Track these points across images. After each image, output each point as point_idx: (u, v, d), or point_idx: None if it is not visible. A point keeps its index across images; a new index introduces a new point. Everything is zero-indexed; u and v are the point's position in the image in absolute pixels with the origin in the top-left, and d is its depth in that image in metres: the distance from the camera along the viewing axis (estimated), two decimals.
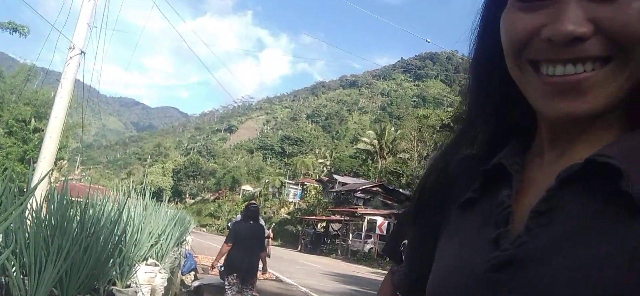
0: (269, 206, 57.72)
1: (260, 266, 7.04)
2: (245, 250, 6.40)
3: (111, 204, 2.43)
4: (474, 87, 0.65)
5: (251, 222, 6.67)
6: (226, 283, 6.46)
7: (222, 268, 6.97)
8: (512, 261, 0.48)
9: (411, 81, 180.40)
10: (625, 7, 0.46)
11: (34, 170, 8.13)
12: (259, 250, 6.64)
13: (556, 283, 0.44)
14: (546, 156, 0.57)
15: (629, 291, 0.40)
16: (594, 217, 0.46)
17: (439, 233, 0.64)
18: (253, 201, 8.86)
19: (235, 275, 6.38)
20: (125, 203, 2.15)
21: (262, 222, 8.19)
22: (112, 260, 2.09)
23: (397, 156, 45.60)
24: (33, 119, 24.29)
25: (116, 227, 2.06)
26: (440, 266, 0.59)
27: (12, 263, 1.52)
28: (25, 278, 1.56)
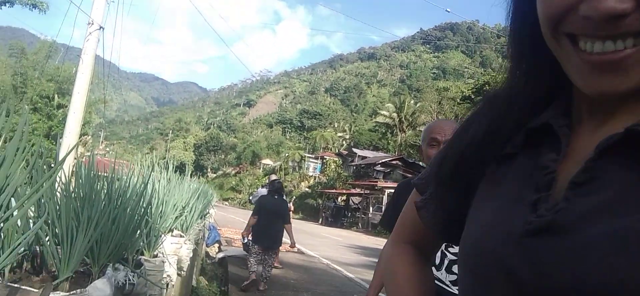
0: (289, 180, 58.18)
1: (288, 239, 7.45)
2: (270, 222, 6.83)
3: (136, 177, 2.47)
4: (512, 45, 0.62)
5: (276, 197, 7.11)
6: (251, 252, 6.90)
7: (246, 241, 7.26)
8: (549, 228, 0.47)
9: (431, 53, 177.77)
10: None
11: (60, 145, 8.31)
12: (282, 222, 7.02)
13: (593, 252, 0.43)
14: (585, 124, 0.55)
15: None
16: (633, 187, 0.44)
17: (475, 184, 0.63)
18: (276, 177, 9.19)
19: (259, 246, 6.83)
20: (150, 176, 2.18)
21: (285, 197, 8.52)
22: (139, 231, 2.14)
23: (417, 129, 45.30)
24: (56, 96, 24.74)
25: (142, 199, 2.10)
26: (476, 225, 0.58)
27: (46, 233, 1.57)
28: (58, 247, 1.61)
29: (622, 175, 0.46)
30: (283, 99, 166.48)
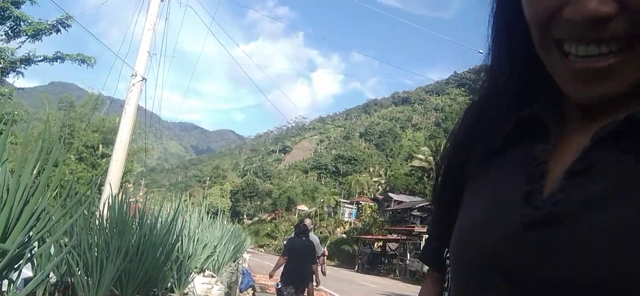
0: (325, 225, 57.78)
1: (313, 278, 7.96)
2: (299, 262, 7.37)
3: (167, 211, 2.52)
4: (495, 40, 0.62)
5: (303, 238, 7.64)
6: (285, 293, 7.33)
7: (280, 287, 7.51)
8: (548, 220, 0.46)
9: (466, 95, 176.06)
10: None
11: (101, 192, 8.60)
12: (310, 262, 7.58)
13: (595, 241, 0.41)
14: (575, 115, 0.53)
15: None
16: (632, 176, 0.43)
17: (464, 179, 0.62)
18: (301, 221, 9.66)
19: (291, 286, 7.30)
20: (178, 208, 2.23)
21: (314, 238, 8.94)
22: (168, 264, 2.17)
23: None
24: (100, 145, 25.81)
25: (172, 233, 2.14)
26: (467, 219, 0.57)
27: (76, 262, 1.61)
28: (89, 278, 1.65)
29: (620, 164, 0.45)
30: (318, 145, 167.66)
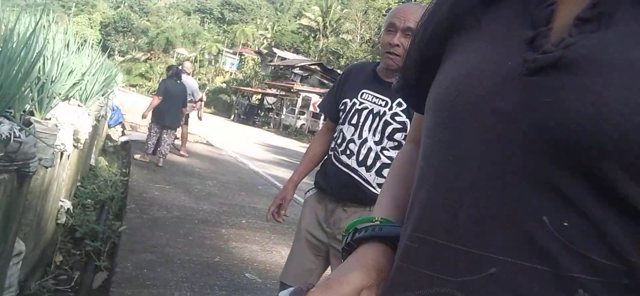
0: (204, 73, 56.24)
1: (186, 119, 8.62)
2: (172, 105, 7.64)
3: (25, 25, 2.25)
4: None
5: (177, 81, 7.80)
6: (152, 130, 7.66)
7: (150, 124, 7.62)
8: (557, 65, 0.42)
9: None
10: None
11: None
12: (182, 104, 7.86)
13: (611, 87, 0.38)
14: None
15: None
16: None
17: (449, 35, 0.57)
18: (180, 64, 9.58)
19: (159, 125, 7.61)
20: (39, 23, 2.00)
21: (192, 82, 8.94)
22: (28, 84, 1.99)
23: (340, 36, 45.18)
24: None
25: (31, 50, 1.93)
26: (455, 66, 0.52)
27: None
28: None
29: (634, 13, 0.41)
30: None
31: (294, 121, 33.31)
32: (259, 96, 41.40)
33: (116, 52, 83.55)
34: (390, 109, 1.87)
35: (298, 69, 39.70)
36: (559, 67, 0.42)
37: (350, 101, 1.96)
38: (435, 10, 0.60)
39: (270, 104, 39.44)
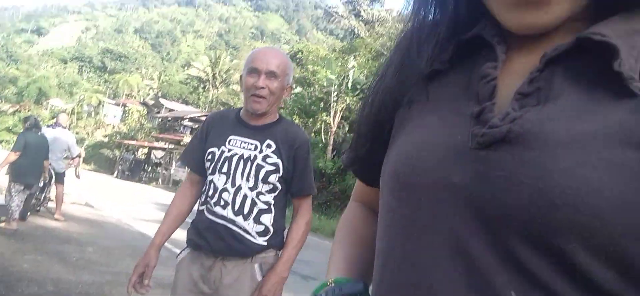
0: (83, 126, 52.40)
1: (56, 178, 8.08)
2: (31, 157, 7.01)
3: None
4: None
5: (37, 132, 7.28)
6: (13, 190, 6.87)
7: (8, 183, 7.01)
8: (506, 139, 0.44)
9: (251, 11, 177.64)
10: None
11: None
12: (43, 157, 7.27)
13: (557, 161, 0.40)
14: (519, 40, 0.51)
15: (629, 169, 0.38)
16: (585, 96, 0.43)
17: (399, 107, 0.59)
18: (55, 116, 9.20)
19: (21, 183, 6.92)
20: None
21: (69, 135, 8.51)
22: None
23: (230, 87, 45.34)
24: None
25: None
26: (408, 141, 0.54)
27: None
28: None
29: (571, 85, 0.44)
30: (83, 33, 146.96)
31: (184, 175, 32.22)
32: (146, 150, 39.51)
33: None
34: (261, 151, 1.86)
35: (187, 120, 38.80)
36: (508, 141, 0.43)
37: (218, 149, 1.91)
38: (380, 83, 0.63)
39: (158, 159, 37.78)
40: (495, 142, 0.44)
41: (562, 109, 0.43)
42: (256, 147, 1.88)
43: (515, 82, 0.47)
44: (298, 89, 21.93)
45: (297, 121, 19.11)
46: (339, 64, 21.05)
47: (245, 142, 1.89)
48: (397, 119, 0.59)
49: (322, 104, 21.31)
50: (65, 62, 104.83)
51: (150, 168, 37.13)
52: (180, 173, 32.75)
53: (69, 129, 9.10)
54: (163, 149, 37.14)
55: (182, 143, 33.81)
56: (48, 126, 8.68)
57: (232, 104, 40.53)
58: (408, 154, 0.52)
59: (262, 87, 1.84)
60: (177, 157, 34.60)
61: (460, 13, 0.56)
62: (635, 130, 0.39)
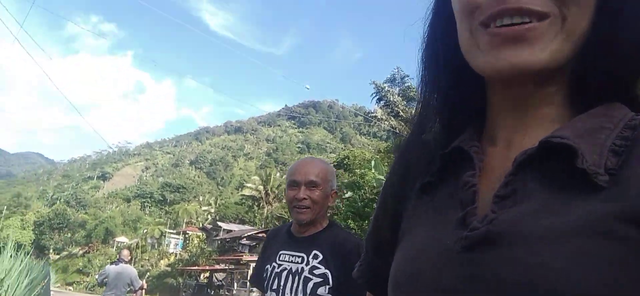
0: (147, 258, 54.02)
1: None
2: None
3: None
4: (425, 76, 0.65)
5: (118, 264, 7.85)
6: None
7: None
8: (486, 239, 0.48)
9: (296, 128, 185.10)
10: None
11: None
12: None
13: (534, 254, 0.44)
14: (498, 141, 0.58)
15: (600, 257, 0.41)
16: (556, 193, 0.47)
17: (400, 222, 0.64)
18: (119, 252, 9.50)
19: None
20: None
21: (131, 270, 8.64)
22: None
23: (283, 201, 45.88)
24: None
25: None
26: (405, 251, 0.59)
27: None
28: None
29: (542, 185, 0.48)
30: (143, 172, 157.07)
31: (246, 294, 31.81)
32: (207, 274, 39.76)
33: (51, 251, 79.08)
34: (307, 264, 1.84)
35: (245, 239, 39.18)
36: (488, 242, 0.47)
37: (270, 266, 1.93)
38: (383, 201, 0.69)
39: (220, 281, 37.79)
40: (478, 244, 0.48)
41: (536, 207, 0.47)
42: (303, 259, 1.87)
43: (494, 185, 0.52)
44: (348, 194, 21.94)
45: (351, 225, 18.78)
46: (385, 163, 21.04)
47: (292, 256, 1.90)
48: (400, 228, 0.63)
49: (374, 205, 21.03)
50: (129, 201, 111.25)
51: (213, 292, 37.04)
52: (242, 293, 32.40)
53: (131, 264, 9.34)
54: (224, 270, 37.20)
55: (241, 262, 33.80)
56: (112, 263, 8.94)
57: (287, 217, 40.75)
58: (405, 264, 0.57)
59: (304, 198, 1.87)
60: (238, 277, 34.46)
61: (451, 121, 0.63)
62: (604, 220, 0.42)
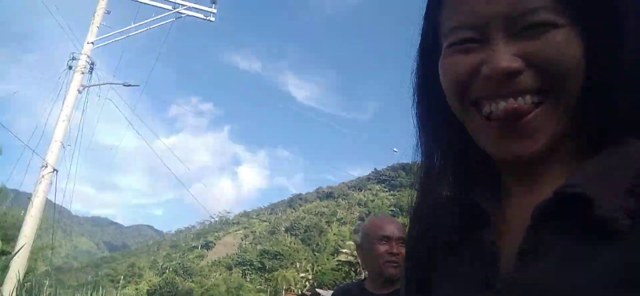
0: None
1: None
2: None
3: None
4: (423, 136, 0.65)
5: None
6: None
7: None
8: None
9: (387, 191, 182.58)
10: (549, 40, 0.50)
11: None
12: None
13: None
14: (514, 193, 0.58)
15: None
16: (575, 244, 0.46)
17: (430, 279, 0.64)
18: None
19: None
20: None
21: None
22: None
23: None
24: (0, 242, 23.24)
25: None
26: None
27: None
28: None
29: (562, 236, 0.48)
30: (243, 240, 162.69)
31: None
32: None
33: None
34: None
35: None
36: None
37: None
38: (412, 258, 0.69)
39: None
40: None
41: (557, 260, 0.47)
42: None
43: (514, 236, 0.52)
44: None
45: None
46: None
47: None
48: (430, 285, 0.64)
49: None
50: (231, 269, 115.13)
51: None
52: None
53: None
54: None
55: None
56: None
57: None
58: None
59: (397, 253, 1.90)
60: None
61: (459, 168, 0.63)
62: (627, 269, 0.42)
